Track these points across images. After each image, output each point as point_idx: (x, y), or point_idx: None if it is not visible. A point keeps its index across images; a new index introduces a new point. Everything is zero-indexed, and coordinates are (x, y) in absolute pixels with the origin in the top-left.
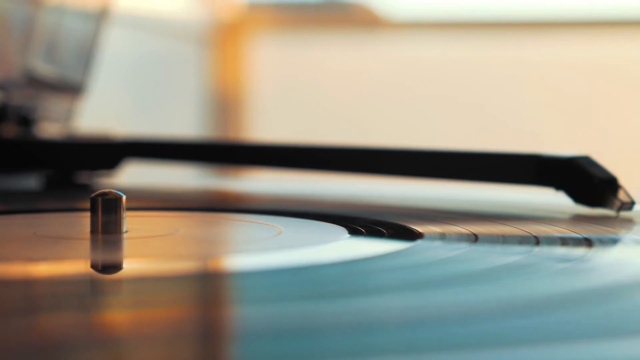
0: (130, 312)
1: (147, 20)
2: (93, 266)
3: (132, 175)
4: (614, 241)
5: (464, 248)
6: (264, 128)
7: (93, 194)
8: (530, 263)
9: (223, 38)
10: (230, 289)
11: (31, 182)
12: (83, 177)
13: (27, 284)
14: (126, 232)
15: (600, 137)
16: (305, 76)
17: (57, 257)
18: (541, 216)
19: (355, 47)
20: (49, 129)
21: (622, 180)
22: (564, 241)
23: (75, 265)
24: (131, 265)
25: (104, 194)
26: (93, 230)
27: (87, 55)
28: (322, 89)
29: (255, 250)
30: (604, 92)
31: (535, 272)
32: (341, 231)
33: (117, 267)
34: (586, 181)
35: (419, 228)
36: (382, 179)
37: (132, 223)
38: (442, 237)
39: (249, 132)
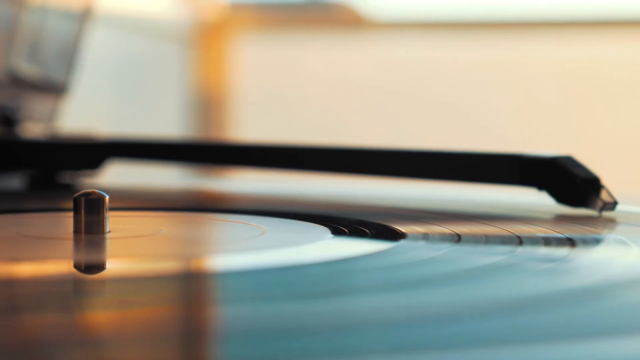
0: (113, 312)
1: (130, 21)
2: (76, 266)
3: (116, 175)
4: (596, 241)
5: (447, 248)
6: (247, 128)
7: (76, 194)
8: (513, 263)
9: (206, 38)
10: (213, 289)
11: (14, 182)
12: (66, 177)
13: (10, 284)
14: (109, 232)
15: (583, 137)
16: (288, 76)
17: (40, 257)
18: (524, 216)
19: (339, 47)
20: (32, 129)
21: (605, 180)
22: (547, 241)
23: (59, 265)
24: (114, 265)
25: (87, 194)
26: (76, 231)
27: (70, 56)
28: (305, 89)
29: (238, 250)
30: (587, 92)
31: (518, 272)
32: (324, 231)
33: (100, 267)
34: (569, 181)
35: (402, 228)
36: (366, 179)
37: (115, 223)
38: (425, 237)
39: (232, 132)
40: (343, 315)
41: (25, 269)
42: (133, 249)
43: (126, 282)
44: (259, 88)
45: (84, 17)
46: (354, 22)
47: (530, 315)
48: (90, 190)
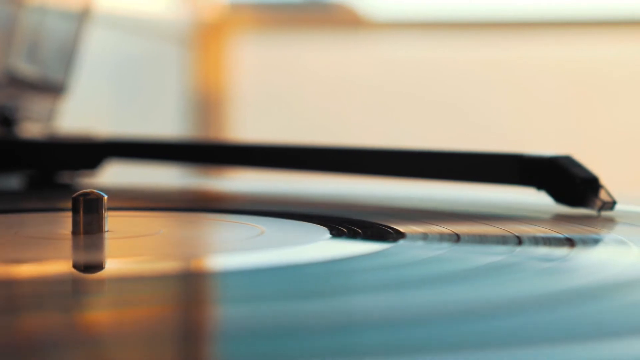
0: (112, 312)
1: (129, 21)
2: (75, 266)
3: (114, 175)
4: (595, 241)
5: (446, 248)
6: (246, 128)
7: (75, 194)
8: (512, 263)
9: (205, 38)
10: (212, 289)
11: (13, 182)
12: (65, 177)
13: (9, 285)
14: (108, 232)
15: (583, 137)
16: (287, 76)
17: (39, 257)
18: (523, 216)
19: (337, 47)
20: (31, 129)
21: (604, 180)
22: (546, 241)
23: (57, 265)
24: (113, 265)
25: (85, 194)
26: (75, 231)
27: (69, 55)
28: (304, 89)
29: (237, 250)
30: (587, 92)
31: (517, 272)
32: (323, 231)
33: (98, 267)
34: (568, 181)
35: (401, 228)
36: (365, 179)
37: (114, 223)
38: (424, 237)
39: (231, 132)
40: (342, 315)
41: (24, 269)
42: (132, 249)
43: (125, 282)
44: (258, 88)
45: (82, 17)
46: (353, 22)
47: (529, 315)
48: (88, 190)
